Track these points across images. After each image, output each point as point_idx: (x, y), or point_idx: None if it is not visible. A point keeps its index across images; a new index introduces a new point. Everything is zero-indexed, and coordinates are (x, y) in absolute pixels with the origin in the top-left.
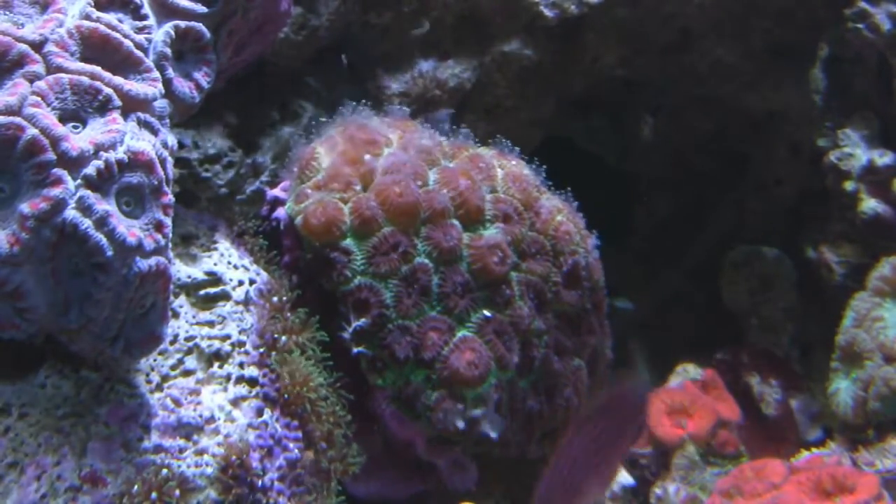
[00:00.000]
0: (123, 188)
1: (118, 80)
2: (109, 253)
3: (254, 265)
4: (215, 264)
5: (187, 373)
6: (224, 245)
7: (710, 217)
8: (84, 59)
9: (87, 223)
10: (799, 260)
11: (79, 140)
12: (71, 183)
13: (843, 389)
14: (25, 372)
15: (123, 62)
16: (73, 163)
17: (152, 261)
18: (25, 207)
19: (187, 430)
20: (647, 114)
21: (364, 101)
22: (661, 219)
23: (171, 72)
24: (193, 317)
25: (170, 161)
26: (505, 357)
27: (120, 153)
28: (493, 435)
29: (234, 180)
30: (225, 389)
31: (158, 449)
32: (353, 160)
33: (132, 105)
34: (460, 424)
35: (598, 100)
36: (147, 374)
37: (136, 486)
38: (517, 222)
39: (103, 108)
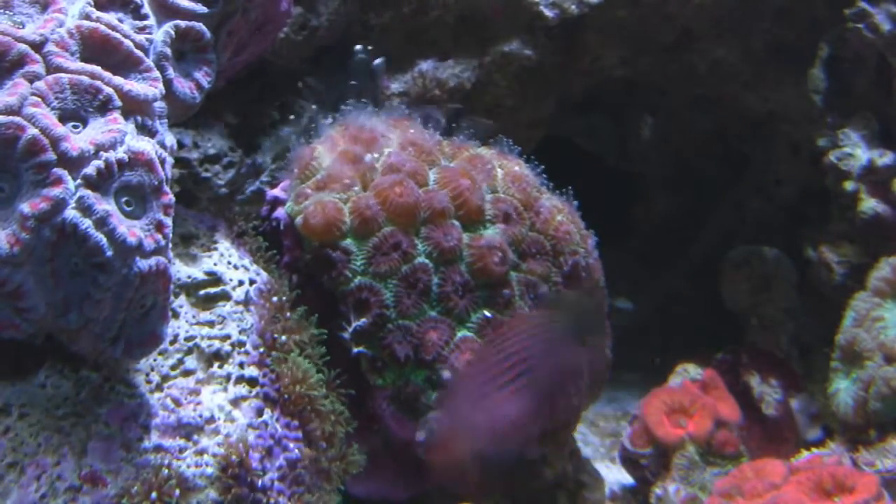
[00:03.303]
0: (124, 188)
1: (118, 79)
2: (109, 253)
3: (254, 265)
4: (215, 264)
5: (187, 373)
6: (224, 245)
7: (710, 217)
8: (84, 59)
9: (87, 223)
10: (799, 260)
11: (79, 140)
12: (71, 183)
13: (843, 390)
14: (25, 372)
15: (123, 62)
16: (73, 163)
17: (152, 261)
18: (26, 207)
19: (187, 430)
20: (647, 114)
21: (364, 101)
22: (661, 219)
23: (171, 72)
24: (193, 317)
25: (169, 161)
26: None
27: (120, 153)
28: None
29: (234, 180)
30: (225, 389)
31: (158, 449)
32: (353, 160)
33: (132, 105)
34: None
35: (598, 100)
36: (147, 374)
37: (135, 487)
38: (517, 222)
39: (104, 107)
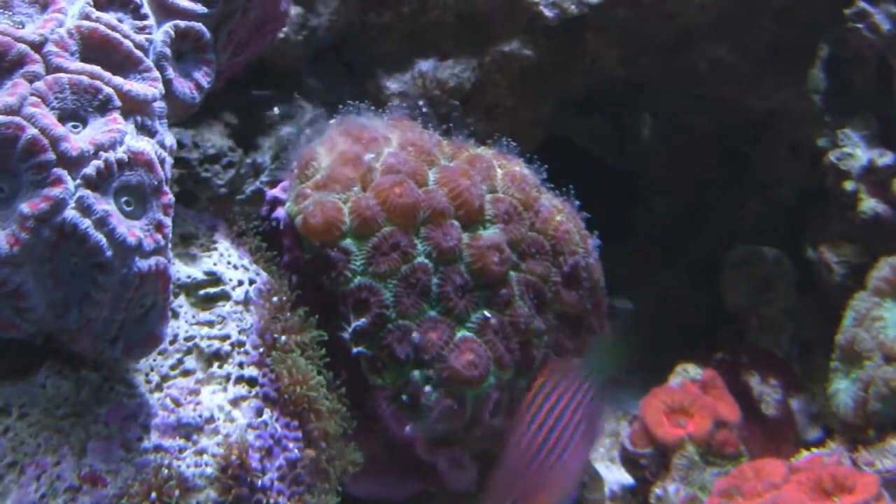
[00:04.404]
0: (123, 188)
1: (118, 79)
2: (109, 253)
3: (253, 265)
4: (215, 264)
5: (187, 373)
6: (224, 245)
7: (710, 217)
8: (84, 59)
9: (86, 223)
10: (799, 260)
11: (79, 140)
12: (70, 183)
13: (842, 390)
14: (25, 372)
15: (123, 62)
16: (73, 163)
17: (152, 261)
18: (25, 207)
19: (187, 430)
20: (647, 114)
21: (364, 101)
22: (661, 219)
23: (171, 72)
24: (193, 317)
25: (168, 161)
26: (504, 357)
27: (120, 153)
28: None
29: (234, 180)
30: (224, 389)
31: (158, 449)
32: (352, 160)
33: (132, 105)
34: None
35: (598, 100)
36: (147, 374)
37: (135, 487)
38: (517, 222)
39: (103, 107)
